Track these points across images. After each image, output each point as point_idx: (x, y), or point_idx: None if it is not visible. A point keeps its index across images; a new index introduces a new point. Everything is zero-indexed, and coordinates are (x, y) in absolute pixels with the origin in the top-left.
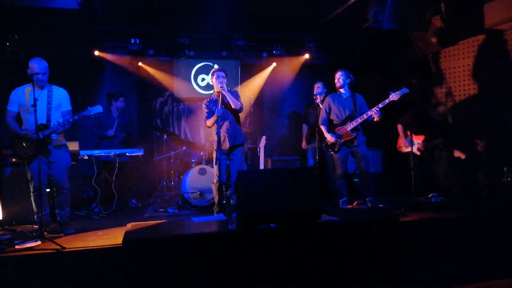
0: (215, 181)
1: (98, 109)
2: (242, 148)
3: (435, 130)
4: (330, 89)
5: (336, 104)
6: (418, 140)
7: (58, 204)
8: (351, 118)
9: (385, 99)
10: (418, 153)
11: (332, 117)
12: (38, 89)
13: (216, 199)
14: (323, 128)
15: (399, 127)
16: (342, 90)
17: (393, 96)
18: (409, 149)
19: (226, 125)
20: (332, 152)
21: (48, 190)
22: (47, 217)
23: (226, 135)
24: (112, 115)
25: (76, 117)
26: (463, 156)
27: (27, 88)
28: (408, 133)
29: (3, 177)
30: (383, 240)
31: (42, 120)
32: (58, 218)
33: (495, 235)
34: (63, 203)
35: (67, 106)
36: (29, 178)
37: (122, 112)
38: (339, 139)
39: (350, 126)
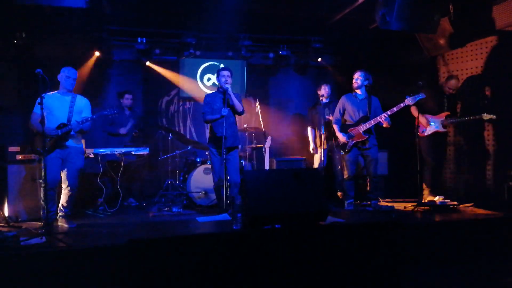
0: (216, 183)
1: (112, 110)
2: (237, 150)
3: (453, 105)
4: (336, 91)
5: (351, 104)
6: (440, 118)
7: (63, 203)
8: (364, 120)
9: (400, 102)
10: (444, 130)
11: (346, 117)
12: (66, 93)
13: (220, 202)
14: (335, 127)
15: (413, 109)
16: (358, 91)
17: (408, 101)
18: (433, 129)
19: (227, 125)
20: (343, 152)
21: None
22: (54, 214)
23: (227, 137)
24: (124, 113)
25: (94, 116)
26: (494, 117)
27: (55, 94)
28: (419, 114)
29: (9, 174)
30: (388, 243)
31: (63, 120)
32: (60, 213)
33: (500, 240)
34: (68, 200)
35: (87, 113)
36: (42, 174)
37: (131, 109)
38: (350, 140)
39: (362, 128)
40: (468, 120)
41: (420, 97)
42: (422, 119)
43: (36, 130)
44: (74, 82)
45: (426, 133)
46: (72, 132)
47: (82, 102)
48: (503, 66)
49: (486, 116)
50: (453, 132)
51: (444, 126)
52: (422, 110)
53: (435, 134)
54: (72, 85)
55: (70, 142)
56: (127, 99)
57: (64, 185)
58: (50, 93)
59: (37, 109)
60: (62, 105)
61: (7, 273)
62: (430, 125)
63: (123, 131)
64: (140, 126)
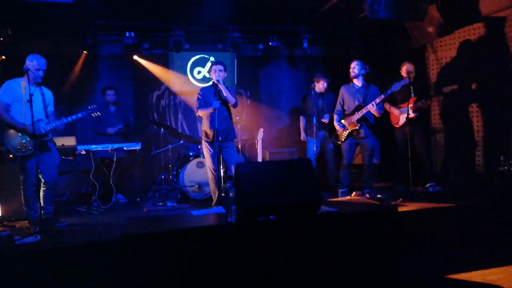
0: (211, 177)
1: (93, 107)
2: (233, 143)
3: (417, 89)
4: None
5: (348, 94)
6: (409, 105)
7: (47, 200)
8: (358, 108)
9: (387, 89)
10: (413, 115)
11: (345, 107)
12: (34, 86)
13: (215, 195)
14: (335, 117)
15: (386, 106)
16: (355, 81)
17: (395, 87)
18: (404, 117)
19: (219, 119)
20: (339, 142)
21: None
22: (36, 213)
23: (219, 130)
24: (109, 109)
25: (80, 115)
26: (452, 88)
27: (23, 82)
28: (389, 106)
29: (1, 173)
30: (381, 230)
31: (41, 116)
32: (45, 214)
33: (491, 225)
34: (51, 198)
35: (52, 107)
36: (25, 174)
37: (116, 105)
38: (344, 129)
39: (356, 117)
40: (429, 100)
41: (405, 82)
42: (394, 111)
43: (7, 122)
44: (43, 73)
45: (400, 123)
46: (51, 133)
47: (49, 94)
48: (490, 52)
49: (446, 89)
50: (441, 119)
51: (413, 111)
52: (393, 103)
53: (408, 123)
54: (41, 78)
55: (50, 141)
56: (109, 95)
57: (46, 182)
58: (13, 81)
59: (4, 97)
60: (36, 99)
61: (2, 272)
62: (402, 115)
63: (111, 131)
64: (127, 122)
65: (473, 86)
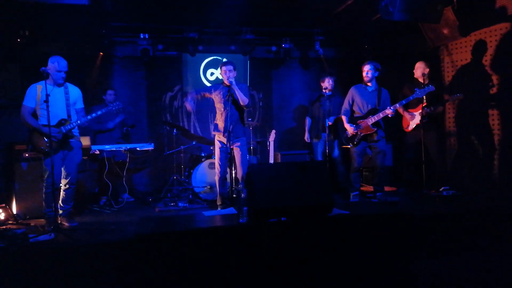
0: (217, 173)
1: (118, 105)
2: (244, 139)
3: (432, 95)
4: (339, 83)
5: (360, 96)
6: (418, 111)
7: (64, 198)
8: (373, 112)
9: (399, 93)
10: (424, 120)
11: (355, 108)
12: (57, 86)
13: (219, 195)
14: (344, 118)
15: (400, 109)
16: (368, 83)
17: (418, 93)
18: (413, 122)
19: (232, 120)
20: (351, 145)
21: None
22: (52, 212)
23: (230, 131)
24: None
25: (99, 113)
26: (461, 96)
27: (39, 86)
28: (402, 109)
29: (17, 172)
30: (393, 234)
31: (63, 115)
32: (61, 211)
33: (507, 229)
34: (68, 197)
35: (80, 104)
36: (46, 173)
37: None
38: (358, 132)
39: (371, 120)
40: (438, 108)
41: (431, 89)
42: (406, 115)
43: (30, 125)
44: (65, 75)
45: (410, 128)
46: (74, 131)
47: (75, 93)
48: (508, 55)
49: (452, 99)
50: (456, 122)
51: (422, 118)
52: (406, 107)
53: (419, 128)
54: (63, 79)
55: (75, 138)
56: (110, 95)
57: (65, 181)
58: (38, 84)
59: (28, 101)
60: (57, 98)
61: (17, 269)
62: (412, 120)
63: (110, 125)
64: (130, 123)
65: (491, 89)
